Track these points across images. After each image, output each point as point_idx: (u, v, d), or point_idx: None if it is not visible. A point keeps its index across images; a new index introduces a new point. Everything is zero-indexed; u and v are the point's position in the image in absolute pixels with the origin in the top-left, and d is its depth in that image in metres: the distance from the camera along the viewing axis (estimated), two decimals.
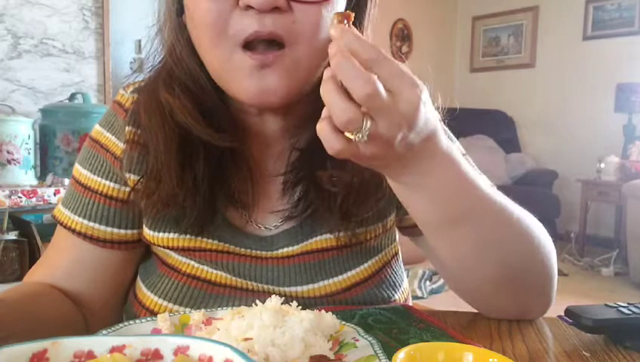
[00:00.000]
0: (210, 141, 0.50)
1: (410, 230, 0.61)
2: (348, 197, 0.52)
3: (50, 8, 2.19)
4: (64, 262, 0.56)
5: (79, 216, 0.55)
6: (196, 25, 0.46)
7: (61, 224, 0.57)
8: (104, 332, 0.41)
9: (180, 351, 0.30)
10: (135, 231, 0.56)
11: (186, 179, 0.50)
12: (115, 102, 0.58)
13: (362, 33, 0.52)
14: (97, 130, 0.58)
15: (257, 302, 0.44)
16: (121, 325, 0.43)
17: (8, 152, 1.81)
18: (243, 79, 0.45)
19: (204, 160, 0.51)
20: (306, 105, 0.52)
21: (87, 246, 0.55)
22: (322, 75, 0.46)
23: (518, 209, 0.49)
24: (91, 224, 0.55)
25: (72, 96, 2.08)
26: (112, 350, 0.30)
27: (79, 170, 0.58)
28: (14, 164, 1.82)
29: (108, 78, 2.34)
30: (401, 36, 4.28)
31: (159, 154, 0.51)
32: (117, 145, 0.56)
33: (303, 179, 0.54)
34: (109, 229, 0.55)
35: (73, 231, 0.55)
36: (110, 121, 0.57)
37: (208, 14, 0.44)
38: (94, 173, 0.56)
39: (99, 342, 0.31)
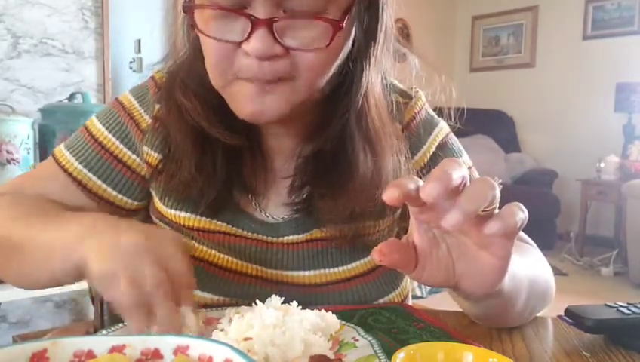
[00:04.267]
0: (220, 138, 0.52)
1: None
2: (348, 206, 0.53)
3: (50, 8, 2.19)
4: (49, 195, 0.56)
5: (81, 163, 0.57)
6: (204, 55, 0.48)
7: (58, 163, 0.57)
8: (104, 331, 0.41)
9: (179, 351, 0.30)
10: (130, 201, 0.58)
11: (204, 166, 0.53)
12: (152, 78, 0.60)
13: (373, 63, 0.52)
14: (127, 96, 0.60)
15: (257, 301, 0.44)
16: (120, 325, 0.43)
17: (7, 152, 1.81)
18: (242, 102, 0.47)
19: (223, 150, 0.53)
20: (314, 111, 0.53)
21: (78, 193, 0.57)
22: (324, 88, 0.49)
23: (532, 266, 0.52)
24: (89, 175, 0.57)
25: (72, 96, 2.07)
26: (112, 350, 0.30)
27: (95, 123, 0.59)
28: (14, 164, 1.82)
29: (107, 77, 2.34)
30: (401, 36, 4.27)
31: (179, 143, 0.54)
32: (143, 118, 0.58)
33: (307, 183, 0.55)
34: (104, 186, 0.57)
35: (69, 174, 0.57)
36: (142, 93, 0.59)
37: (213, 53, 0.46)
38: (110, 132, 0.58)
39: (99, 342, 0.30)
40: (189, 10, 0.47)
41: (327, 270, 0.57)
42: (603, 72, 3.93)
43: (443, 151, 0.60)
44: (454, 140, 0.63)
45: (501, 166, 3.94)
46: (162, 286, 0.37)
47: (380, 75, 0.55)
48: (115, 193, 0.57)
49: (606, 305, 0.50)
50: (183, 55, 0.56)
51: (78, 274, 0.42)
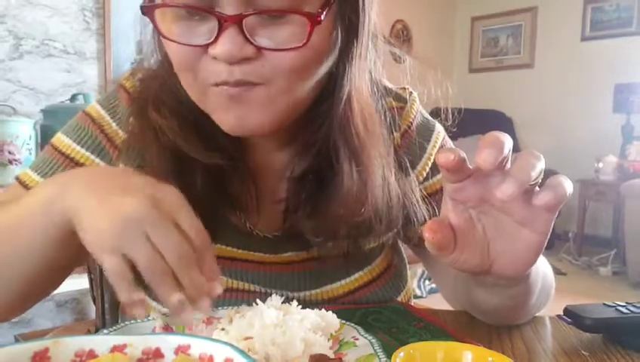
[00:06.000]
0: (199, 159, 0.48)
1: (417, 248, 0.61)
2: (332, 226, 0.50)
3: (52, 9, 2.19)
4: None
5: None
6: (173, 63, 0.45)
7: (25, 186, 0.52)
8: (105, 331, 0.42)
9: (180, 350, 0.30)
10: None
11: (184, 192, 0.48)
12: (121, 87, 0.55)
13: (357, 65, 0.47)
14: (96, 109, 0.55)
15: (258, 301, 0.44)
16: (122, 324, 0.43)
17: (9, 153, 1.81)
18: (221, 112, 0.44)
19: (202, 172, 0.49)
20: (300, 122, 0.49)
21: None
22: (310, 95, 0.45)
23: (542, 261, 0.50)
24: None
25: (74, 97, 2.07)
26: (113, 349, 0.30)
27: (61, 139, 0.54)
28: (15, 165, 1.82)
29: (109, 78, 2.34)
30: (401, 37, 4.27)
31: (155, 168, 0.49)
32: (116, 132, 0.53)
33: (303, 204, 0.51)
34: None
35: None
36: (112, 105, 0.54)
37: (178, 58, 0.43)
38: (80, 145, 0.53)
39: (100, 341, 0.31)
40: (149, 11, 0.41)
41: (332, 285, 0.55)
42: (602, 72, 3.93)
43: None
44: (449, 142, 0.61)
45: None
46: (185, 254, 0.34)
47: (367, 77, 0.50)
48: None
49: (604, 304, 0.51)
50: (153, 65, 0.51)
51: (66, 232, 0.37)
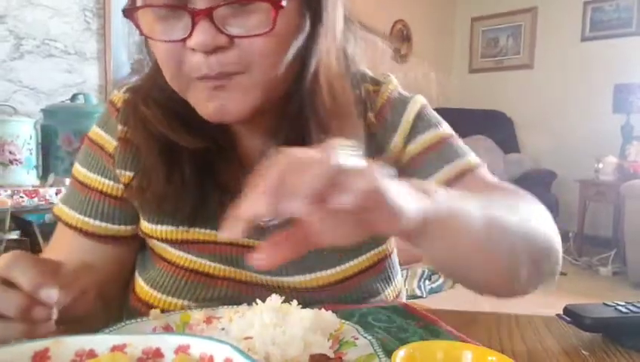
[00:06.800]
0: (185, 145, 0.51)
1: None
2: None
3: (52, 9, 2.20)
4: (61, 256, 0.56)
5: (75, 211, 0.58)
6: (158, 60, 0.48)
7: (59, 219, 0.59)
8: (105, 331, 0.42)
9: (180, 350, 0.30)
10: (128, 227, 0.58)
11: (174, 178, 0.52)
12: (109, 102, 0.60)
13: (323, 42, 0.50)
14: (94, 129, 0.60)
15: (258, 301, 0.44)
16: (122, 324, 0.43)
17: (10, 152, 1.81)
18: (204, 102, 0.47)
19: (189, 159, 0.52)
20: (279, 103, 0.51)
21: (82, 240, 0.57)
22: (286, 78, 0.47)
23: (524, 214, 0.47)
24: (86, 219, 0.57)
25: (74, 97, 2.08)
26: (113, 349, 0.30)
27: (78, 169, 0.60)
28: (16, 164, 1.82)
29: (109, 78, 2.34)
30: (401, 37, 4.28)
31: (146, 157, 0.53)
32: (110, 143, 0.58)
33: None
34: (103, 224, 0.57)
35: (69, 225, 0.58)
36: (105, 121, 0.60)
37: (162, 56, 0.47)
38: (90, 171, 0.59)
39: (100, 341, 0.31)
40: (130, 14, 0.46)
41: (322, 272, 0.56)
42: (601, 72, 3.93)
43: (421, 121, 0.58)
44: (431, 111, 0.60)
45: (500, 166, 3.94)
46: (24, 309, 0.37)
47: (337, 56, 0.53)
48: (116, 227, 0.58)
49: (604, 303, 0.51)
50: (147, 66, 0.55)
51: None
